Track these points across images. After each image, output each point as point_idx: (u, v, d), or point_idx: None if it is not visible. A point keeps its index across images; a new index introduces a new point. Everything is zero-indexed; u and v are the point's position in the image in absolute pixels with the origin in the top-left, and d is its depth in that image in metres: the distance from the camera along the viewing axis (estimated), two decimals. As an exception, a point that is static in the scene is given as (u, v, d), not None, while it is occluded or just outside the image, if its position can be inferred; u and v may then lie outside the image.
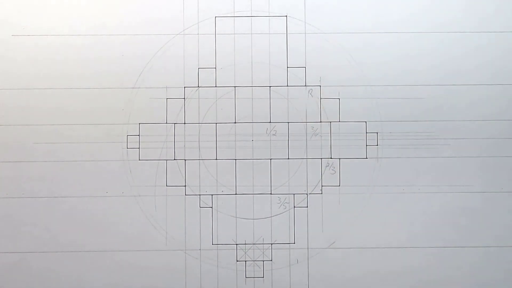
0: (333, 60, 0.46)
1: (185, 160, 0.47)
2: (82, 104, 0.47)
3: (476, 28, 0.47)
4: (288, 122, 0.47)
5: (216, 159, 0.47)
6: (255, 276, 0.47)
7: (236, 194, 0.47)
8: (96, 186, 0.47)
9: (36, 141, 0.47)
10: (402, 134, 0.47)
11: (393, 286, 0.47)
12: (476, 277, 0.47)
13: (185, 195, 0.47)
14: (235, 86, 0.47)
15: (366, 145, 0.47)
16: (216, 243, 0.47)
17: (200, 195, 0.47)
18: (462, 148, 0.47)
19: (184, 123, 0.47)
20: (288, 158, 0.47)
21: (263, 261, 0.47)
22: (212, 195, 0.47)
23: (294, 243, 0.47)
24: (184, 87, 0.47)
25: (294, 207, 0.47)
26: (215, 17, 0.48)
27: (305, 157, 0.47)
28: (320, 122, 0.47)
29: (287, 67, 0.48)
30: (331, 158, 0.47)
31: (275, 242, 0.47)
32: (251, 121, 0.47)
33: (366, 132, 0.47)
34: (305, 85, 0.48)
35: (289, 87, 0.47)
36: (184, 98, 0.47)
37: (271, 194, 0.47)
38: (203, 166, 0.47)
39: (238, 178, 0.47)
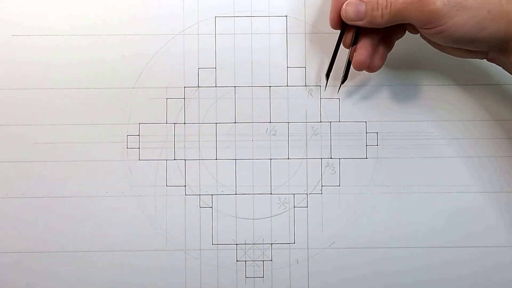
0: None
1: (185, 160, 0.47)
2: (82, 104, 0.47)
3: (476, 28, 0.47)
4: (288, 122, 0.47)
5: (216, 159, 0.47)
6: (255, 276, 0.47)
7: (236, 194, 0.47)
8: (96, 186, 0.47)
9: (36, 141, 0.47)
10: (402, 134, 0.47)
11: (393, 286, 0.47)
12: (476, 277, 0.47)
13: (185, 195, 0.47)
14: (235, 86, 0.47)
15: (366, 145, 0.47)
16: (216, 243, 0.47)
17: (200, 195, 0.47)
18: (462, 148, 0.47)
19: (184, 123, 0.47)
20: (288, 158, 0.47)
21: (263, 261, 0.47)
22: (212, 195, 0.47)
23: (294, 243, 0.47)
24: (184, 87, 0.47)
25: (294, 207, 0.47)
26: (215, 17, 0.48)
27: (305, 157, 0.47)
28: (320, 122, 0.47)
29: (287, 67, 0.48)
30: (331, 158, 0.47)
31: (275, 242, 0.47)
32: (251, 121, 0.47)
33: (366, 132, 0.47)
34: (305, 85, 0.48)
35: (289, 87, 0.47)
36: (184, 98, 0.47)
37: (271, 194, 0.47)
38: (203, 166, 0.47)
39: (238, 178, 0.47)
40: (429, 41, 0.41)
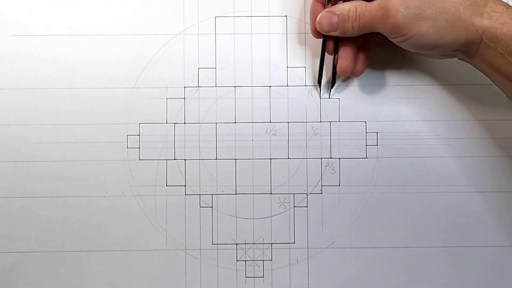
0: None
1: (185, 160, 0.47)
2: (82, 104, 0.47)
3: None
4: (288, 122, 0.47)
5: (216, 159, 0.47)
6: (255, 276, 0.47)
7: (236, 194, 0.47)
8: (96, 186, 0.47)
9: (36, 141, 0.47)
10: (402, 134, 0.47)
11: (393, 286, 0.47)
12: (476, 277, 0.47)
13: (185, 195, 0.47)
14: (235, 86, 0.47)
15: (366, 145, 0.47)
16: (216, 243, 0.47)
17: (200, 195, 0.47)
18: (462, 148, 0.47)
19: (184, 123, 0.47)
20: (288, 158, 0.47)
21: (263, 260, 0.47)
22: (212, 195, 0.47)
23: (294, 243, 0.47)
24: (184, 87, 0.47)
25: (294, 207, 0.47)
26: (215, 17, 0.48)
27: (305, 157, 0.47)
28: (320, 122, 0.47)
29: (287, 67, 0.48)
30: (331, 158, 0.47)
31: (275, 242, 0.47)
32: (251, 121, 0.47)
33: (366, 132, 0.47)
34: (305, 85, 0.48)
35: (289, 87, 0.47)
36: (184, 98, 0.47)
37: (271, 194, 0.47)
38: (203, 166, 0.47)
39: (238, 178, 0.47)
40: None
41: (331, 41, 0.45)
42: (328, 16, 0.42)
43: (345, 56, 0.44)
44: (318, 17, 0.43)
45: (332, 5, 0.43)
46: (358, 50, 0.45)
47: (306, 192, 0.47)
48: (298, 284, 0.47)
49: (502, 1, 0.39)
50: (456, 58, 0.43)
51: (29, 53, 0.47)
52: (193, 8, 0.48)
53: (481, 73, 0.42)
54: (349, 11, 0.41)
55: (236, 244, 0.47)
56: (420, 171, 0.47)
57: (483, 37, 0.38)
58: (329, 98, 0.47)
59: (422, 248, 0.47)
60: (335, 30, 0.43)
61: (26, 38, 0.47)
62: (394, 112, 0.47)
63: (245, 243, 0.47)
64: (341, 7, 0.42)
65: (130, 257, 0.47)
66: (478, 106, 0.47)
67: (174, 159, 0.47)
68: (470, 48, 0.40)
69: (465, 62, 0.43)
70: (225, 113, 0.47)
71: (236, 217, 0.47)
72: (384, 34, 0.42)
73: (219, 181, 0.47)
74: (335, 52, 0.45)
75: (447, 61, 0.46)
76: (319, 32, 0.44)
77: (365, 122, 0.47)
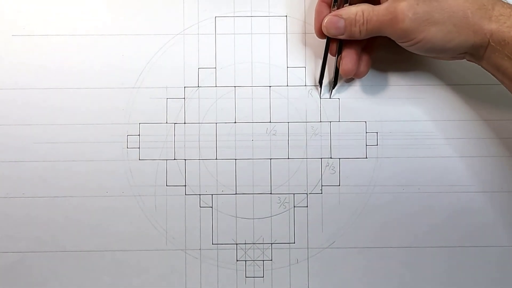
0: (332, 60, 0.46)
1: (185, 160, 0.47)
2: (82, 104, 0.47)
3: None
4: (288, 122, 0.47)
5: (216, 159, 0.47)
6: (255, 276, 0.47)
7: (236, 194, 0.47)
8: (96, 186, 0.47)
9: (36, 141, 0.47)
10: (402, 134, 0.47)
11: (393, 286, 0.47)
12: (476, 277, 0.47)
13: (185, 195, 0.47)
14: (235, 86, 0.47)
15: (366, 145, 0.47)
16: (216, 243, 0.47)
17: (200, 195, 0.47)
18: (462, 148, 0.47)
19: (184, 123, 0.47)
20: (288, 158, 0.47)
21: (263, 260, 0.47)
22: (212, 195, 0.47)
23: (294, 242, 0.47)
24: (184, 87, 0.47)
25: (294, 206, 0.47)
26: (215, 17, 0.48)
27: (305, 157, 0.47)
28: (320, 122, 0.47)
29: (287, 67, 0.48)
30: (331, 158, 0.47)
31: (275, 242, 0.47)
32: (251, 121, 0.47)
33: (366, 132, 0.47)
34: (305, 85, 0.48)
35: (289, 87, 0.47)
36: (184, 98, 0.47)
37: (271, 194, 0.47)
38: (203, 166, 0.47)
39: (238, 178, 0.47)
40: None
41: (334, 43, 0.45)
42: (334, 21, 0.42)
43: (349, 58, 0.44)
44: (325, 21, 0.43)
45: (338, 8, 0.43)
46: (362, 52, 0.45)
47: (306, 192, 0.47)
48: (298, 284, 0.47)
49: (510, 4, 0.39)
50: (464, 60, 0.43)
51: (29, 53, 0.47)
52: (193, 8, 0.48)
53: (483, 74, 0.42)
54: (356, 15, 0.41)
55: (236, 244, 0.47)
56: (420, 171, 0.47)
57: (490, 41, 0.38)
58: (330, 98, 0.47)
59: (422, 248, 0.47)
60: (342, 34, 0.43)
61: (26, 38, 0.47)
62: (394, 112, 0.47)
63: (245, 243, 0.47)
64: (348, 11, 0.42)
65: (130, 257, 0.47)
66: (478, 106, 0.47)
67: (174, 159, 0.47)
68: (478, 51, 0.40)
69: (466, 63, 0.43)
70: (225, 113, 0.47)
71: (236, 217, 0.47)
72: (392, 38, 0.42)
73: (219, 181, 0.47)
74: (338, 53, 0.45)
75: (449, 62, 0.46)
76: (324, 33, 0.44)
77: (365, 122, 0.47)
